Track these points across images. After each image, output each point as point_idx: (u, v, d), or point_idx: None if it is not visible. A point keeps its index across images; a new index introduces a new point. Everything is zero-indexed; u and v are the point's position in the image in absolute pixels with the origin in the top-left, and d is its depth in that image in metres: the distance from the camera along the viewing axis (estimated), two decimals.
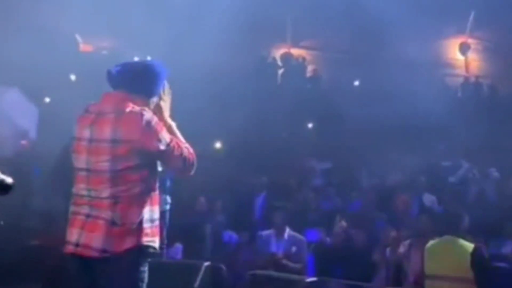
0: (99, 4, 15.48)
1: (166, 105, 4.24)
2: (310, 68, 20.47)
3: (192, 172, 4.22)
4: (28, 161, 10.77)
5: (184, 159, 4.07)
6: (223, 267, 7.94)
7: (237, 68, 17.74)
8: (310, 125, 16.38)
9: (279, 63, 20.77)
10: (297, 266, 8.17)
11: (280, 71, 20.45)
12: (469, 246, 6.78)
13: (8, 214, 8.91)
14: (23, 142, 11.06)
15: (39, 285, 7.98)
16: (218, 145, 14.89)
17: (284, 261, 8.09)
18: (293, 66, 20.45)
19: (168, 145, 3.99)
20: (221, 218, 10.75)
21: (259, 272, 7.35)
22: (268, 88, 18.00)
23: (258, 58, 19.97)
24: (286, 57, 21.03)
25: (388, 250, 8.43)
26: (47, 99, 15.52)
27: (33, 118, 11.05)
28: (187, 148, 4.12)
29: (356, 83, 19.17)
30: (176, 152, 4.03)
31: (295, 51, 21.30)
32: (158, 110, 4.18)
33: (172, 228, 8.95)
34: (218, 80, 15.78)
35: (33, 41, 14.71)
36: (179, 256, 9.67)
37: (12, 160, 11.06)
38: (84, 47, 19.40)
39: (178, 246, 9.82)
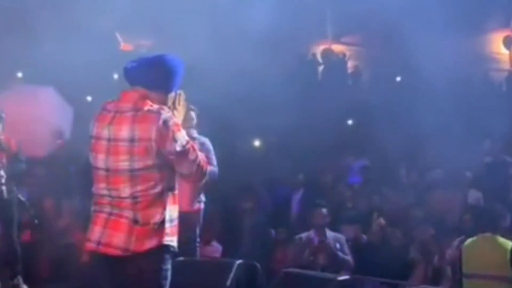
0: (138, 3, 15.53)
1: (179, 116, 4.14)
2: (351, 64, 20.30)
3: (202, 182, 4.19)
4: (65, 161, 10.85)
5: (198, 165, 3.99)
6: (257, 265, 7.88)
7: (277, 66, 17.65)
8: (350, 122, 16.21)
9: (320, 59, 20.62)
10: (348, 257, 8.43)
11: (321, 68, 20.31)
12: (509, 244, 6.64)
13: (43, 213, 8.99)
14: (58, 142, 11.13)
15: (73, 284, 8.02)
16: (257, 143, 14.83)
17: (339, 253, 8.29)
18: (334, 62, 20.29)
19: (183, 146, 3.92)
20: (259, 215, 10.67)
21: (292, 270, 7.28)
22: (308, 85, 17.87)
23: (298, 55, 19.87)
24: (326, 53, 20.87)
25: (436, 258, 8.32)
26: (89, 98, 15.62)
27: (68, 118, 11.10)
28: (202, 156, 4.05)
29: (398, 78, 18.94)
30: (191, 156, 3.96)
31: (336, 47, 21.14)
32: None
33: (209, 226, 8.94)
34: (257, 79, 15.70)
35: (74, 40, 14.84)
36: (217, 254, 9.62)
37: (49, 160, 11.17)
38: (124, 46, 19.52)
39: (215, 244, 9.77)
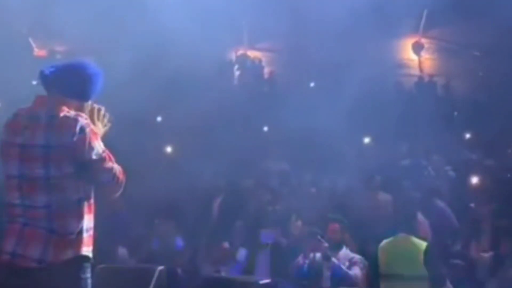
0: (51, 8, 15.27)
1: (98, 131, 3.97)
2: (266, 70, 20.51)
3: (118, 193, 4.02)
4: None
5: (114, 174, 3.88)
6: (179, 270, 7.91)
7: (195, 70, 17.63)
8: (265, 128, 16.27)
9: (236, 64, 20.78)
10: (351, 272, 7.58)
11: (237, 73, 20.46)
12: (422, 244, 6.87)
13: None
14: None
15: None
16: (168, 149, 14.60)
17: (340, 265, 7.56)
18: (249, 67, 20.48)
19: (100, 155, 3.82)
20: (172, 223, 10.49)
21: (213, 274, 7.35)
22: (225, 89, 17.95)
23: (216, 59, 19.93)
24: (242, 59, 21.03)
25: None
26: None
27: None
28: (118, 166, 3.95)
29: (312, 84, 19.23)
30: (107, 165, 3.85)
31: (251, 53, 21.33)
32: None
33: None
34: (176, 82, 15.65)
35: None
36: None
37: None
38: (38, 51, 19.18)
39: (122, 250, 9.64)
